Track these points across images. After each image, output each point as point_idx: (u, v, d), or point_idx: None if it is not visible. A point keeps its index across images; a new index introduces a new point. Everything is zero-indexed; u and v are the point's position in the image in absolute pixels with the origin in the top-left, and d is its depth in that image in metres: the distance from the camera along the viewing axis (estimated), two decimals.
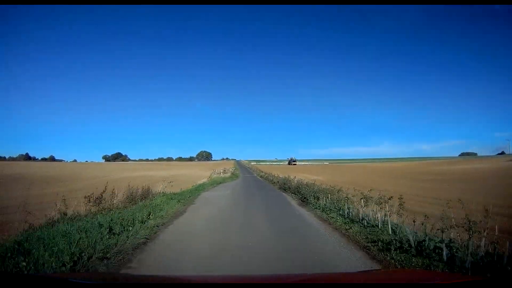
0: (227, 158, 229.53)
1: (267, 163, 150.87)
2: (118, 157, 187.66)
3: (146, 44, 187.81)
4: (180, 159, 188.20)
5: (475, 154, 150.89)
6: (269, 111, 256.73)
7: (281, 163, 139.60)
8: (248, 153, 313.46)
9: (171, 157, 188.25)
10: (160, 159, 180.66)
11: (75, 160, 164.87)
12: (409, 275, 2.24)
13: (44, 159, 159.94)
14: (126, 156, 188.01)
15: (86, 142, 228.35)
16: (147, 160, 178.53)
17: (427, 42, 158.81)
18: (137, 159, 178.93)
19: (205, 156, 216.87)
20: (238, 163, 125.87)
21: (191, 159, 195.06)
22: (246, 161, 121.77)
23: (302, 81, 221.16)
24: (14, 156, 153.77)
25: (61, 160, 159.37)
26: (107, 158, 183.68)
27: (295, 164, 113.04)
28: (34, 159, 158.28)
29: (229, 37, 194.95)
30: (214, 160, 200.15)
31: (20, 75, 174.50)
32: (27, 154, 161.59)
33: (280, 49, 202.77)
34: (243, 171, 54.40)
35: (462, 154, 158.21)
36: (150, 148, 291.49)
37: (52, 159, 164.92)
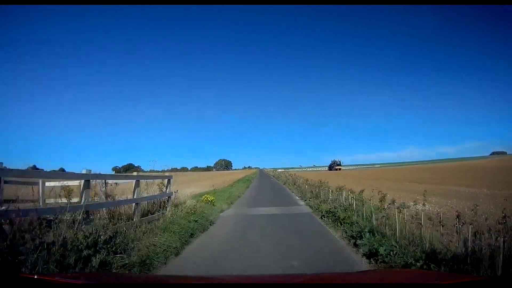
0: (249, 167, 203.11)
1: (296, 170, 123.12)
2: (129, 168, 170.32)
3: (160, 52, 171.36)
4: (195, 169, 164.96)
5: (505, 152, 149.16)
6: (292, 119, 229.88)
7: (316, 169, 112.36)
8: (271, 162, 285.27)
9: (186, 167, 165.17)
10: (174, 169, 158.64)
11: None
12: (409, 275, 2.20)
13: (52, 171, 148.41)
14: (139, 167, 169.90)
15: (101, 154, 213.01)
16: (162, 171, 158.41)
17: (447, 45, 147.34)
18: (148, 170, 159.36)
19: (225, 165, 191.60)
20: (261, 171, 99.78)
21: (208, 168, 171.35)
22: (271, 169, 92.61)
23: (326, 89, 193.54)
24: (23, 168, 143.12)
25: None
26: (117, 170, 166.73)
27: (339, 169, 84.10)
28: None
29: (254, 45, 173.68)
30: (235, 169, 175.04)
31: (29, 86, 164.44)
32: (34, 166, 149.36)
33: (305, 58, 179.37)
34: (263, 187, 24.64)
35: (494, 153, 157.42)
36: (168, 158, 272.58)
37: (61, 171, 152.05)
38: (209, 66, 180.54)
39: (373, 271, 2.90)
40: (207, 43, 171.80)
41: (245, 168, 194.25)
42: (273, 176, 47.11)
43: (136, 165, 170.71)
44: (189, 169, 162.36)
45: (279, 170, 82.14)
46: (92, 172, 4.70)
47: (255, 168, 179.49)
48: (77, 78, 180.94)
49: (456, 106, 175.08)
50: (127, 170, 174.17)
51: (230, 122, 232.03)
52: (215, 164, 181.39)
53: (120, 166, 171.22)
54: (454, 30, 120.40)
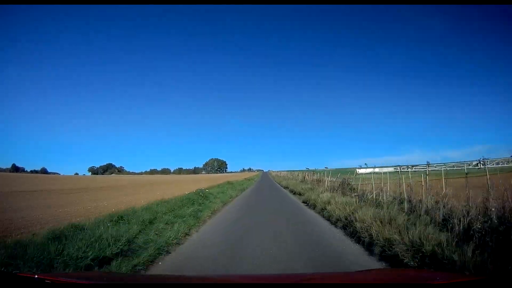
0: (249, 169, 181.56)
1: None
2: (108, 168, 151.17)
3: (151, 50, 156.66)
4: (180, 170, 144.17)
5: None
6: (296, 121, 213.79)
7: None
8: (274, 164, 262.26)
9: (168, 169, 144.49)
10: (153, 172, 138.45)
11: (77, 173, 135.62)
12: (409, 274, 2.24)
13: (34, 172, 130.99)
14: (121, 167, 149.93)
15: (76, 154, 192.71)
16: (145, 173, 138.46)
17: (453, 48, 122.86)
18: (144, 171, 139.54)
19: (218, 166, 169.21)
20: (265, 175, 78.07)
21: (195, 171, 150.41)
22: (285, 172, 62.40)
23: (331, 92, 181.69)
24: (4, 167, 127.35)
25: (55, 173, 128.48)
26: (93, 171, 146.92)
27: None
28: (23, 170, 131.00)
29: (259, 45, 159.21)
30: (231, 172, 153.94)
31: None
32: (13, 165, 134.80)
33: (310, 58, 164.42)
34: None
35: None
36: (158, 158, 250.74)
37: (43, 171, 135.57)
38: (206, 66, 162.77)
39: (373, 271, 2.87)
40: (203, 42, 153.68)
41: (243, 170, 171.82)
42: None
43: (117, 165, 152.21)
44: (171, 171, 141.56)
45: (295, 173, 44.86)
46: None
47: (258, 170, 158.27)
48: (48, 76, 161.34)
49: (463, 109, 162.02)
50: (105, 170, 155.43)
51: (228, 121, 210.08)
52: (205, 165, 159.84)
53: (97, 166, 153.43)
54: (461, 32, 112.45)
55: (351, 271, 3.13)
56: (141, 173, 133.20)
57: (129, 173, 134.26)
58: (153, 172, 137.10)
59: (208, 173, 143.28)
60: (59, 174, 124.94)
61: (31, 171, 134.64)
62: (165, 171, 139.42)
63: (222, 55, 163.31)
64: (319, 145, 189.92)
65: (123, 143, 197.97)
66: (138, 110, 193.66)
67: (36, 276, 1.43)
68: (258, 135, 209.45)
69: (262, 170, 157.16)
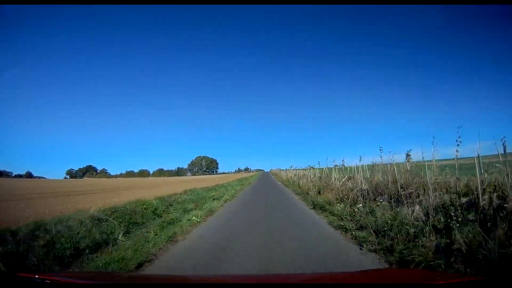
0: (246, 169, 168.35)
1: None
2: (88, 170, 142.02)
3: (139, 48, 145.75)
4: (160, 172, 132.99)
5: None
6: (296, 118, 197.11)
7: None
8: (272, 163, 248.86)
9: (147, 170, 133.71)
10: (129, 174, 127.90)
11: (66, 177, 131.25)
12: (409, 275, 2.23)
13: (19, 176, 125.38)
14: (103, 169, 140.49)
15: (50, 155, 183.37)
16: (120, 175, 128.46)
17: (456, 45, 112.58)
18: (119, 173, 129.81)
19: (206, 166, 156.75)
20: (266, 178, 55.46)
21: (179, 172, 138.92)
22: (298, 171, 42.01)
23: (331, 91, 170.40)
24: None
25: (40, 177, 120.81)
26: (72, 174, 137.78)
27: None
28: (7, 175, 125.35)
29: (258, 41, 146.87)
30: (223, 172, 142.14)
31: None
32: None
33: (309, 58, 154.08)
34: None
35: None
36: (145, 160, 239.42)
37: (29, 175, 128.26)
38: (196, 59, 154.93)
39: (373, 271, 2.90)
40: (190, 38, 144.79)
41: (239, 170, 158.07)
42: None
43: (98, 168, 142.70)
44: (150, 173, 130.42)
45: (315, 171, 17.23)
46: None
47: (257, 170, 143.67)
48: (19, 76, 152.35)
49: (465, 105, 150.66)
50: (85, 173, 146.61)
51: (221, 116, 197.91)
52: (190, 164, 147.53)
53: (76, 169, 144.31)
54: (463, 29, 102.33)
55: (351, 271, 2.87)
56: (116, 176, 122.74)
57: (106, 175, 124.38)
58: (129, 174, 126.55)
59: (194, 175, 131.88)
60: (46, 178, 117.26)
61: (15, 176, 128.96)
62: (143, 173, 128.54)
63: (216, 47, 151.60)
64: (322, 142, 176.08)
65: (107, 143, 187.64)
66: (123, 109, 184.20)
67: (36, 276, 1.45)
68: (256, 131, 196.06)
69: (263, 170, 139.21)
